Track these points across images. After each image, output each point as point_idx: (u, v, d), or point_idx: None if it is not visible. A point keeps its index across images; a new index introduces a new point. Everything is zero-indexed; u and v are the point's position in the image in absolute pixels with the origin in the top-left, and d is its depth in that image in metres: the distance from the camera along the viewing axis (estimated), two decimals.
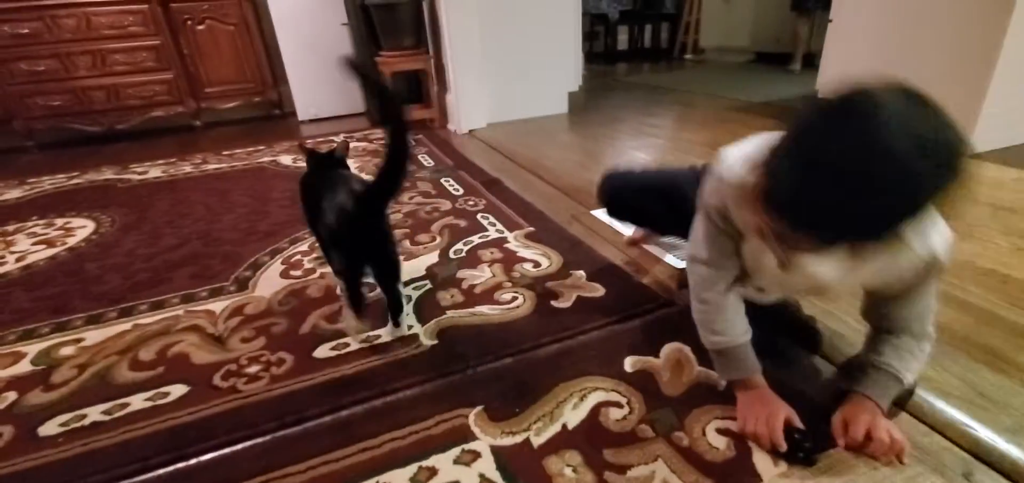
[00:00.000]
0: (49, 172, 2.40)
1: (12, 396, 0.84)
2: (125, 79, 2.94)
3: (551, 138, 2.39)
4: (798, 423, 0.64)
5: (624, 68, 5.05)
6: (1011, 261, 1.06)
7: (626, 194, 1.06)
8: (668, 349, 0.83)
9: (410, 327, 0.94)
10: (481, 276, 1.11)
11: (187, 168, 2.28)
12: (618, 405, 0.72)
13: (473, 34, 2.43)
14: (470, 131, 2.58)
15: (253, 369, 0.86)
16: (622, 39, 6.06)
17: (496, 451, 0.66)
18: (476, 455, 0.65)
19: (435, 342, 0.90)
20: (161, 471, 0.67)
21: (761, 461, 0.62)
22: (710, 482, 0.60)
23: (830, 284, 0.64)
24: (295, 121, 3.29)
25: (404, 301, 0.94)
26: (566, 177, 1.73)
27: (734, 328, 0.70)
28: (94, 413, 0.78)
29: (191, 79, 3.09)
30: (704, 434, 0.66)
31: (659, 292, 1.00)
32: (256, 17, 3.15)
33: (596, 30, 5.87)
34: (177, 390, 0.82)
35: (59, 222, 1.69)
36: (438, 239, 1.33)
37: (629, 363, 0.80)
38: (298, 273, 1.19)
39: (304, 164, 1.05)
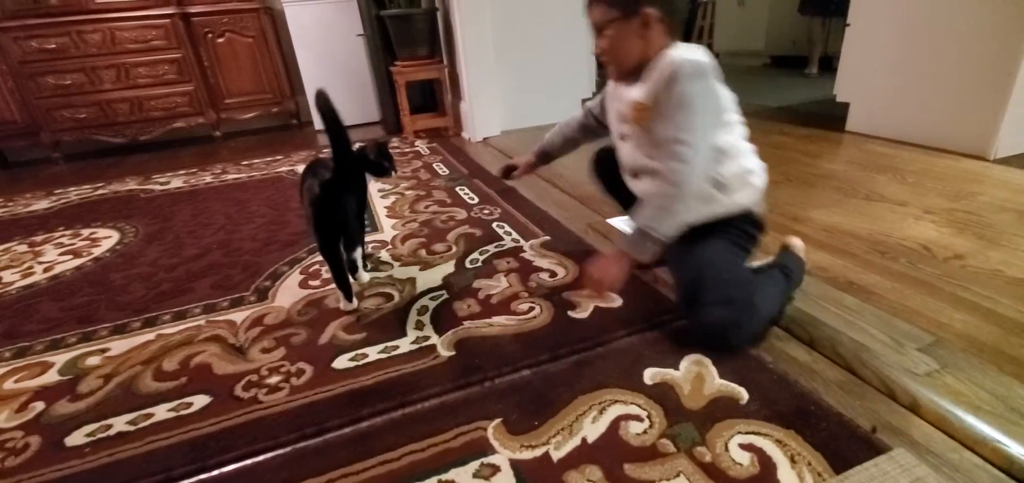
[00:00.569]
0: (75, 183, 2.47)
1: (40, 406, 0.86)
2: (148, 91, 3.02)
3: None
4: None
5: None
6: None
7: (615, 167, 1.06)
8: (688, 361, 0.82)
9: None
10: (497, 286, 1.11)
11: (207, 178, 2.32)
12: (638, 419, 0.71)
13: (487, 43, 2.45)
14: (484, 139, 2.60)
15: (273, 380, 0.87)
16: None
17: (515, 465, 0.65)
18: (495, 469, 0.65)
19: (453, 353, 0.90)
20: None
21: (786, 477, 0.61)
22: None
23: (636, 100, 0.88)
24: (312, 130, 3.34)
25: (359, 265, 1.12)
26: (581, 185, 1.73)
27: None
28: (119, 423, 0.80)
29: (211, 91, 3.16)
30: (726, 449, 0.65)
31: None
32: (274, 29, 3.21)
33: None
34: (200, 400, 0.83)
35: (85, 232, 1.74)
36: (454, 248, 1.34)
37: (648, 375, 0.80)
38: (317, 283, 1.20)
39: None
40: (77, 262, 1.48)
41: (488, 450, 0.68)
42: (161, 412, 0.81)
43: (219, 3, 3.03)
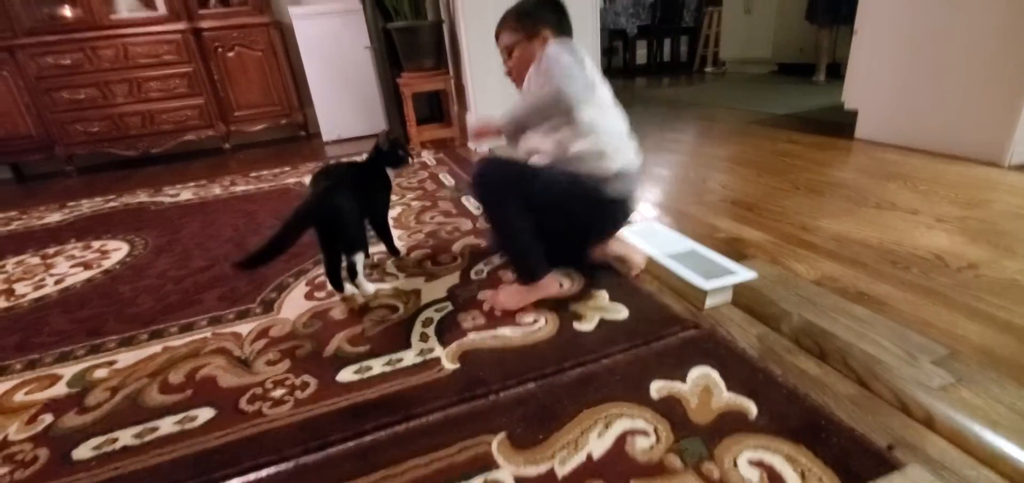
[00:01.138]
0: (87, 195, 2.50)
1: (48, 418, 0.87)
2: (159, 105, 3.07)
3: None
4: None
5: (643, 83, 5.04)
6: None
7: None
8: (695, 374, 0.81)
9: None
10: None
11: (216, 190, 2.35)
12: (644, 433, 0.70)
13: (492, 53, 2.45)
14: (490, 149, 2.60)
15: (278, 393, 0.86)
16: (641, 54, 6.06)
17: (520, 481, 0.64)
18: None
19: (457, 366, 0.89)
20: None
21: None
22: None
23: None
24: (320, 142, 3.38)
25: (358, 271, 1.15)
26: None
27: None
28: (125, 437, 0.80)
29: (221, 103, 3.21)
30: (735, 465, 0.64)
31: (684, 313, 0.98)
32: (283, 42, 3.25)
33: (615, 45, 5.89)
34: (205, 414, 0.83)
35: (96, 244, 1.76)
36: (459, 259, 1.33)
37: (655, 388, 0.78)
38: (322, 295, 1.21)
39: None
40: (87, 274, 1.50)
41: (492, 465, 0.67)
42: (167, 425, 0.82)
43: (230, 18, 3.08)
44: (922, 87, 1.89)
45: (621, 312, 1.01)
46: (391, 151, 1.29)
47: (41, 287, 1.43)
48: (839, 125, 2.33)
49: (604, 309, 1.02)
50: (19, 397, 0.94)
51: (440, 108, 3.07)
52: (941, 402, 0.71)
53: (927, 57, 1.85)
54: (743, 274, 1.03)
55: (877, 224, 1.32)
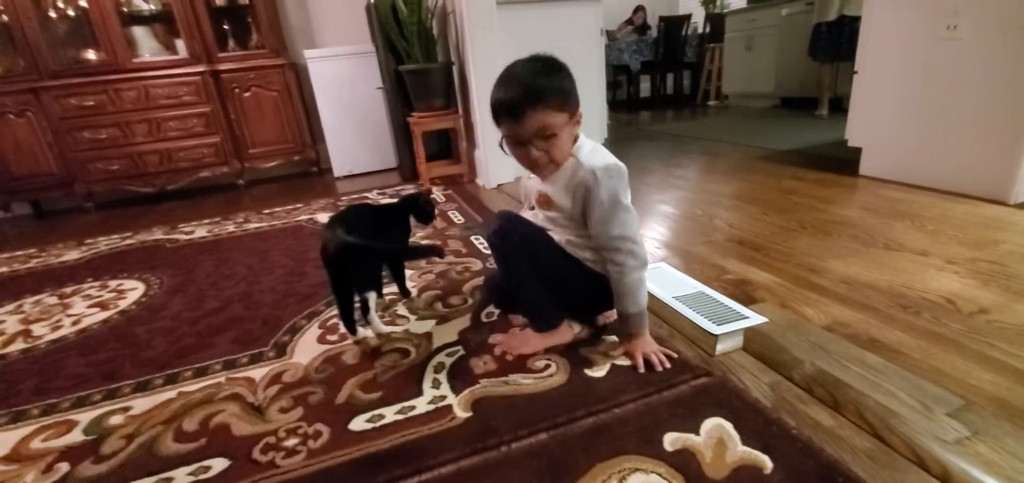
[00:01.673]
0: (104, 233, 2.56)
1: (65, 468, 0.88)
2: (177, 143, 3.16)
3: None
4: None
5: (648, 116, 5.11)
6: None
7: None
8: (709, 425, 0.80)
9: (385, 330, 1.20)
10: None
11: (230, 227, 2.39)
12: None
13: None
14: (498, 185, 2.64)
15: (291, 442, 0.87)
16: (644, 87, 6.17)
17: None
18: None
19: (469, 414, 0.89)
20: None
21: None
22: None
23: (548, 193, 1.02)
24: (331, 177, 3.44)
25: (370, 308, 1.20)
26: None
27: None
28: None
29: (236, 141, 3.29)
30: None
31: (695, 359, 0.98)
32: (298, 83, 3.35)
33: (619, 79, 6.00)
34: (218, 464, 0.84)
35: (112, 284, 1.79)
36: (470, 300, 1.35)
37: (668, 441, 0.78)
38: (334, 338, 1.22)
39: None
40: (104, 315, 1.53)
41: None
42: (181, 477, 0.82)
43: (247, 60, 3.19)
44: (925, 125, 1.91)
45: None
46: (423, 207, 1.37)
47: (58, 328, 1.46)
48: (843, 161, 2.35)
49: (616, 355, 1.03)
50: (36, 444, 0.95)
51: (449, 145, 3.14)
52: (958, 457, 0.70)
53: (930, 95, 1.87)
54: (753, 319, 1.03)
55: (886, 266, 1.32)
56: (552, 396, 0.92)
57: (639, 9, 5.85)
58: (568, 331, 1.09)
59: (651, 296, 1.11)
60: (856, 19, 2.36)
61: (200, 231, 2.39)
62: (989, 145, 1.71)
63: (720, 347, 1.00)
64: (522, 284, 1.07)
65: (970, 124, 1.76)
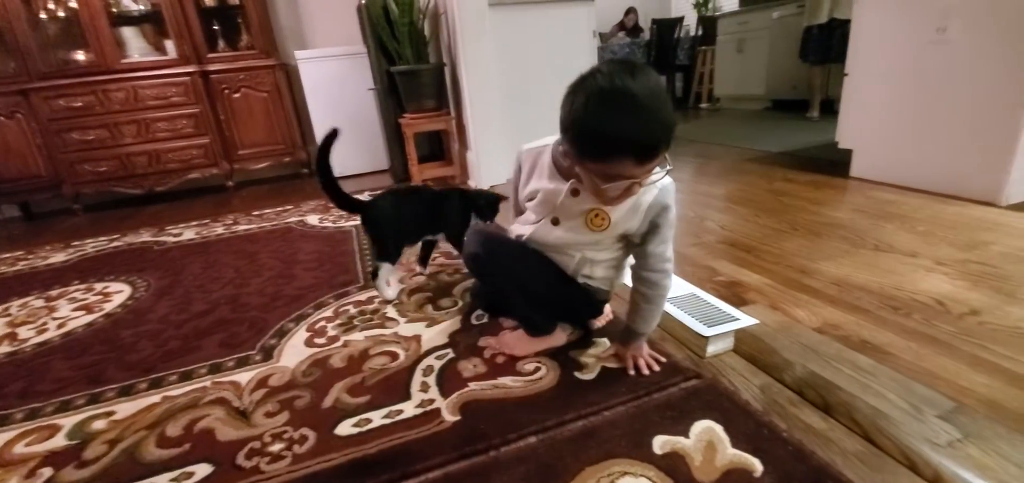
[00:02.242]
0: (92, 235, 2.52)
1: (48, 473, 0.86)
2: (165, 144, 3.12)
3: None
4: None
5: None
6: None
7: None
8: (698, 428, 0.80)
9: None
10: None
11: (219, 229, 2.37)
12: None
13: (492, 94, 2.52)
14: (490, 187, 2.63)
15: (276, 447, 0.85)
16: None
17: None
18: None
19: (457, 418, 0.88)
20: None
21: None
22: None
23: (606, 209, 0.88)
24: None
25: (378, 274, 1.38)
26: None
27: None
28: None
29: (226, 142, 3.26)
30: None
31: (686, 362, 0.98)
32: (288, 84, 3.33)
33: None
34: (202, 470, 0.82)
35: (98, 287, 1.76)
36: (460, 302, 1.33)
37: (658, 444, 0.77)
38: (322, 341, 1.20)
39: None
40: (89, 318, 1.50)
41: None
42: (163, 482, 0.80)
43: (237, 61, 3.17)
44: (916, 127, 1.92)
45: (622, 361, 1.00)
46: (488, 208, 1.44)
47: (44, 331, 1.43)
48: (834, 163, 2.36)
49: (605, 357, 1.02)
50: (19, 449, 0.93)
51: (441, 146, 3.12)
52: (949, 460, 0.70)
53: (920, 97, 1.88)
54: (744, 320, 1.03)
55: (877, 267, 1.32)
56: (542, 399, 0.91)
57: (631, 11, 5.86)
58: (561, 335, 1.08)
59: None
60: (846, 22, 2.38)
61: (188, 233, 2.36)
62: (979, 147, 1.72)
63: (710, 349, 1.00)
64: (509, 297, 1.06)
65: (960, 126, 1.77)
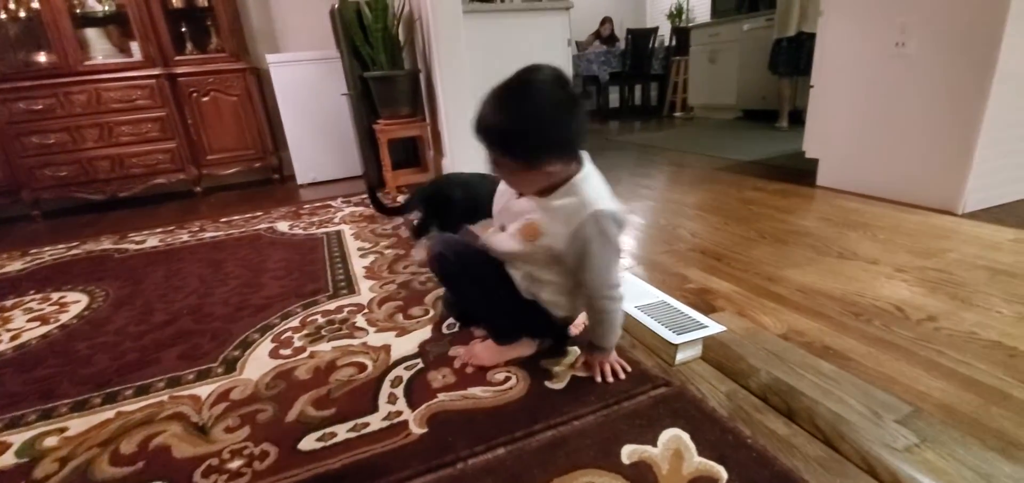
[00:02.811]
0: (50, 242, 2.41)
1: None
2: (130, 149, 3.02)
3: None
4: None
5: (616, 126, 5.18)
6: (1016, 332, 1.03)
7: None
8: (666, 436, 0.80)
9: None
10: None
11: (184, 236, 2.29)
12: None
13: (467, 101, 2.51)
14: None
15: (235, 464, 0.82)
16: (613, 97, 6.28)
17: None
18: None
19: (425, 430, 0.87)
20: None
21: None
22: None
23: (538, 224, 0.88)
24: (294, 185, 3.35)
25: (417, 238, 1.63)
26: None
27: None
28: None
29: (193, 147, 3.17)
30: None
31: (655, 369, 0.98)
32: (259, 88, 3.26)
33: (588, 90, 6.08)
34: None
35: (54, 296, 1.69)
36: (431, 311, 1.32)
37: (626, 453, 0.77)
38: (288, 352, 1.17)
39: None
40: (44, 329, 1.43)
41: None
42: None
43: (206, 64, 3.09)
44: (878, 138, 1.99)
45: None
46: None
47: None
48: (801, 172, 2.43)
49: (575, 367, 1.01)
50: None
51: (416, 153, 3.10)
52: (907, 464, 0.71)
53: (882, 110, 1.95)
54: (712, 328, 1.04)
55: (840, 274, 1.36)
56: (511, 409, 0.90)
57: (606, 20, 5.95)
58: (531, 344, 1.07)
59: None
60: (813, 36, 2.45)
61: (152, 240, 2.28)
62: (937, 157, 1.79)
63: (680, 356, 1.00)
64: (473, 303, 1.05)
65: (919, 137, 1.84)
